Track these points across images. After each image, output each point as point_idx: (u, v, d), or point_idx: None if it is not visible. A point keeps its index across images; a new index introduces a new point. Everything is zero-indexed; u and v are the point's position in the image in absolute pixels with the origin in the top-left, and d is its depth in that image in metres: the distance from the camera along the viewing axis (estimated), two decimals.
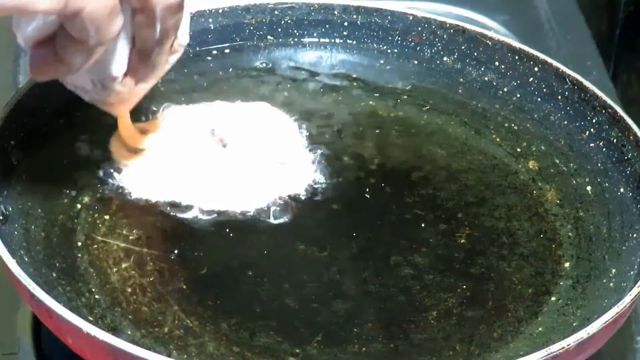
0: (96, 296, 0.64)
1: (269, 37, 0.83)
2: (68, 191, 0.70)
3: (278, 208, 0.70)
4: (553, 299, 0.66)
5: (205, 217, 0.69)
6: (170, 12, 0.60)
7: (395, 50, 0.83)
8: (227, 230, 0.69)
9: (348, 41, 0.84)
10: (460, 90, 0.82)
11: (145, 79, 0.65)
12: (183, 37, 0.66)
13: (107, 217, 0.69)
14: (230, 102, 0.78)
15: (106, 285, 0.65)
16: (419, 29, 0.83)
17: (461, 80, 0.82)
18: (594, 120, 0.76)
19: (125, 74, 0.64)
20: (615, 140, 0.74)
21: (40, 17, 0.59)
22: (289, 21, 0.83)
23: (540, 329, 0.64)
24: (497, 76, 0.81)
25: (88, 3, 0.56)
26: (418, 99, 0.81)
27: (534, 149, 0.77)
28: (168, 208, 0.70)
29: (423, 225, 0.71)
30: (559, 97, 0.79)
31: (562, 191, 0.74)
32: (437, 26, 0.83)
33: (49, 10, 0.56)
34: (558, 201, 0.73)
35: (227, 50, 0.83)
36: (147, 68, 0.64)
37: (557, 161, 0.76)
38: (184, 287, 0.65)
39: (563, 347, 0.58)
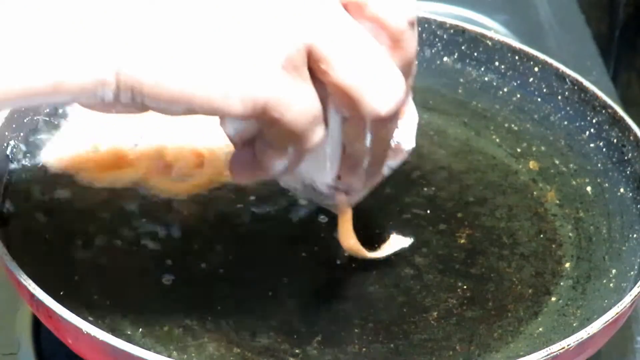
0: (96, 296, 0.64)
1: None
2: (69, 190, 0.70)
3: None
4: (553, 299, 0.66)
5: (205, 218, 0.70)
6: (381, 123, 0.54)
7: None
8: (228, 230, 0.69)
9: None
10: (460, 90, 0.82)
11: (359, 185, 0.60)
12: (406, 142, 0.61)
13: (107, 215, 0.69)
14: None
15: (106, 285, 0.65)
16: (419, 29, 0.82)
17: (461, 80, 0.82)
18: (594, 120, 0.76)
19: (339, 178, 0.59)
20: (615, 141, 0.74)
21: (242, 120, 0.55)
22: None
23: (540, 329, 0.64)
24: (497, 76, 0.81)
25: (287, 112, 0.52)
26: (418, 99, 0.81)
27: (534, 149, 0.77)
28: (170, 207, 0.70)
29: (423, 225, 0.71)
30: (559, 97, 0.79)
31: (562, 191, 0.74)
32: (437, 26, 0.83)
33: (244, 115, 0.52)
34: (558, 201, 0.73)
35: None
36: (359, 176, 0.59)
37: (557, 161, 0.76)
38: (184, 287, 0.65)
39: (563, 347, 0.58)
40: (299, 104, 0.52)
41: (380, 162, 0.59)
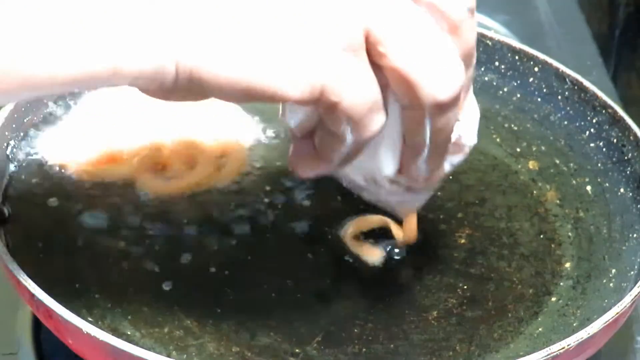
0: (96, 296, 0.64)
1: None
2: (68, 190, 0.70)
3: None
4: (553, 299, 0.66)
5: (205, 219, 0.70)
6: (440, 110, 0.53)
7: None
8: (229, 230, 0.69)
9: None
10: None
11: (420, 178, 0.59)
12: (469, 136, 0.60)
13: (107, 215, 0.69)
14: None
15: (106, 285, 0.65)
16: None
17: None
18: (594, 120, 0.76)
19: (400, 172, 0.58)
20: (615, 140, 0.74)
21: (303, 109, 0.55)
22: None
23: (540, 329, 0.64)
24: (497, 76, 0.81)
25: (345, 97, 0.51)
26: None
27: (534, 149, 0.77)
28: (170, 207, 0.70)
29: (423, 225, 0.71)
30: (559, 97, 0.79)
31: (562, 191, 0.74)
32: None
33: (301, 100, 0.51)
34: (558, 201, 0.73)
35: None
36: (420, 168, 0.57)
37: (557, 161, 0.76)
38: (184, 287, 0.65)
39: (563, 348, 0.58)
40: (357, 87, 0.51)
41: (440, 154, 0.58)
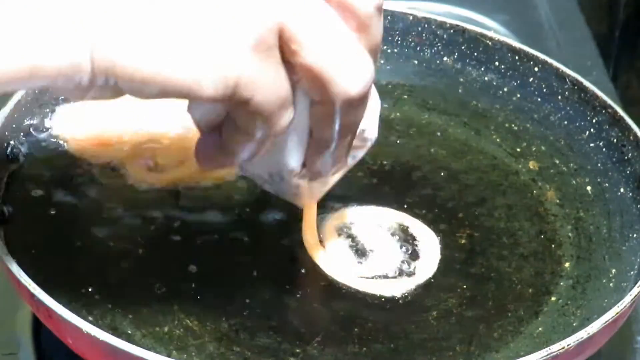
0: (96, 296, 0.64)
1: None
2: (68, 190, 0.70)
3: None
4: (553, 299, 0.66)
5: (205, 218, 0.70)
6: (350, 106, 0.54)
7: (395, 50, 0.83)
8: (230, 229, 0.69)
9: None
10: (460, 90, 0.82)
11: (325, 172, 0.60)
12: (371, 130, 0.61)
13: (107, 215, 0.69)
14: None
15: (106, 285, 0.65)
16: (419, 29, 0.83)
17: (461, 80, 0.82)
18: (594, 120, 0.76)
19: (304, 167, 0.59)
20: (615, 140, 0.74)
21: (208, 104, 0.55)
22: None
23: (540, 329, 0.64)
24: (497, 76, 0.81)
25: (256, 93, 0.51)
26: (418, 99, 0.81)
27: (534, 149, 0.77)
28: (170, 206, 0.70)
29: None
30: (559, 97, 0.79)
31: (562, 191, 0.74)
32: (437, 26, 0.83)
33: (214, 97, 0.51)
34: (558, 201, 0.73)
35: None
36: (325, 162, 0.59)
37: (557, 161, 0.76)
38: (184, 287, 0.65)
39: (563, 347, 0.58)
40: (269, 84, 0.52)
41: (346, 148, 0.59)
